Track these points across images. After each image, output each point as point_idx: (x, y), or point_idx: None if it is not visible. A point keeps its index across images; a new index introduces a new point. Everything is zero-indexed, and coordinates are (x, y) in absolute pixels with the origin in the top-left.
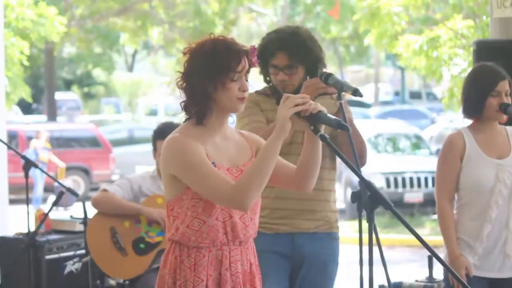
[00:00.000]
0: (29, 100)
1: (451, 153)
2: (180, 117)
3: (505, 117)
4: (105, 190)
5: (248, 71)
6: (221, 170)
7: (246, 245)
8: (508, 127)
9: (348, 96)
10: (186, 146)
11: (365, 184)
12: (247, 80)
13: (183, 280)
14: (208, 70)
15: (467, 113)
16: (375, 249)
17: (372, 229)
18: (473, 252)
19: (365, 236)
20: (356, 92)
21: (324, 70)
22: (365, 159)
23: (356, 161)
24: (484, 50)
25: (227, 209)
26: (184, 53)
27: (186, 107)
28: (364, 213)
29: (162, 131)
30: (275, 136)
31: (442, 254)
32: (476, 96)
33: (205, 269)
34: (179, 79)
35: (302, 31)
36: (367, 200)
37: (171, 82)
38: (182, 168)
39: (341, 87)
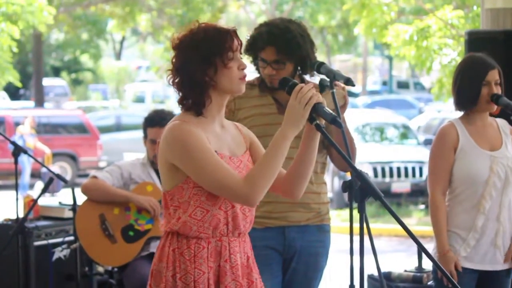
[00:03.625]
0: (18, 84)
1: (444, 145)
2: (168, 105)
3: (495, 108)
4: (95, 177)
5: (240, 52)
6: (224, 159)
7: (244, 238)
8: (498, 119)
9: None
10: (188, 134)
11: (357, 174)
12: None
13: (184, 273)
14: (205, 55)
15: (461, 104)
16: (365, 238)
17: (363, 218)
18: (465, 244)
19: (356, 226)
20: (348, 82)
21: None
22: (354, 159)
23: (348, 151)
24: (476, 41)
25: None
26: (173, 48)
27: (183, 101)
28: (355, 203)
29: (153, 119)
30: (288, 130)
31: (430, 244)
32: (469, 88)
33: (206, 261)
34: (170, 76)
35: (294, 27)
36: (357, 190)
37: (158, 69)
38: (184, 156)
39: (333, 76)
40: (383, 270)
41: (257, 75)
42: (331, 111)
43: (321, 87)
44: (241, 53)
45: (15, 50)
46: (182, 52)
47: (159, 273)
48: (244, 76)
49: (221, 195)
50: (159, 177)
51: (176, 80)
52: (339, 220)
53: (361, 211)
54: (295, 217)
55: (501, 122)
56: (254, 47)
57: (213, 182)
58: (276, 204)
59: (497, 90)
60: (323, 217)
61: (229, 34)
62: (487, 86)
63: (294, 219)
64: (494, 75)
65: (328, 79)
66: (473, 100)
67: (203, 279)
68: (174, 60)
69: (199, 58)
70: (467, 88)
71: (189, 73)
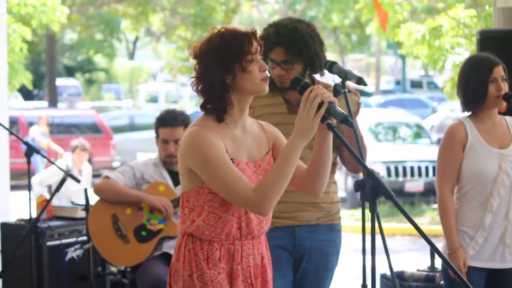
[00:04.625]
0: (30, 87)
1: (453, 143)
2: (181, 105)
3: (504, 104)
4: (107, 177)
5: (261, 53)
6: (240, 165)
7: (259, 239)
8: (507, 117)
9: (352, 85)
10: (205, 141)
11: (368, 173)
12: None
13: (200, 272)
14: (223, 60)
15: (469, 104)
16: (378, 238)
17: (374, 218)
18: (473, 243)
19: (368, 225)
20: (360, 81)
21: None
22: (365, 158)
23: (360, 150)
24: (488, 40)
25: None
26: (194, 57)
27: (205, 106)
28: (367, 202)
29: (165, 119)
30: (299, 140)
31: (441, 243)
32: (477, 86)
33: (219, 262)
34: (193, 84)
35: (302, 27)
36: (369, 190)
37: (172, 69)
38: (200, 164)
39: (345, 75)
40: (396, 269)
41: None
42: (342, 111)
43: (335, 92)
44: (261, 55)
45: (26, 51)
46: (201, 59)
47: (177, 271)
48: (266, 77)
49: (235, 203)
50: (171, 177)
51: (199, 87)
52: (352, 220)
53: (373, 210)
54: (305, 216)
55: (510, 120)
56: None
57: (226, 193)
58: (286, 204)
59: (504, 85)
60: (333, 216)
61: (247, 37)
62: (495, 83)
63: (304, 219)
64: (499, 71)
65: (341, 86)
66: (482, 97)
67: (219, 279)
68: (196, 67)
69: (217, 64)
70: (474, 86)
71: (208, 79)
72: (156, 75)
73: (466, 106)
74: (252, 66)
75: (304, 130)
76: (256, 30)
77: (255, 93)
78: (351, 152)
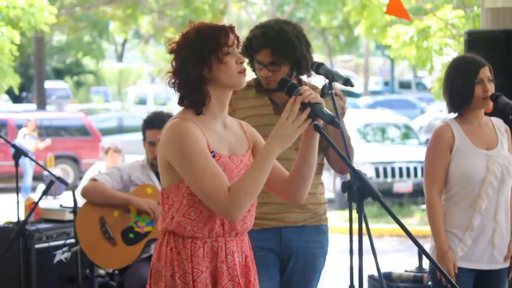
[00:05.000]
0: (17, 91)
1: (440, 145)
2: (169, 107)
3: (490, 104)
4: (94, 180)
5: (238, 46)
6: (223, 158)
7: (242, 237)
8: (493, 118)
9: (339, 86)
10: (187, 133)
11: (355, 174)
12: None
13: (182, 272)
14: (199, 53)
15: (455, 106)
16: (365, 239)
17: (361, 219)
18: (462, 244)
19: (355, 226)
20: (347, 82)
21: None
22: (352, 159)
23: (347, 152)
24: (476, 41)
25: None
26: (171, 52)
27: (183, 100)
28: (354, 203)
29: (152, 121)
30: (275, 146)
31: (429, 244)
32: (462, 88)
33: (202, 260)
34: (170, 78)
35: (289, 28)
36: (356, 191)
37: (160, 71)
38: (178, 155)
39: (332, 77)
40: (384, 270)
41: (254, 76)
42: (329, 112)
43: (323, 94)
44: (238, 48)
45: (16, 53)
46: (177, 54)
47: (158, 272)
48: (244, 69)
49: (205, 203)
50: (159, 179)
51: (175, 82)
52: (341, 221)
53: (360, 211)
54: (291, 218)
55: (497, 121)
56: (249, 49)
57: (199, 187)
58: (272, 205)
59: (490, 87)
60: (320, 217)
61: (223, 30)
62: (481, 84)
63: (290, 220)
64: (485, 72)
65: (328, 87)
66: (468, 99)
67: (202, 278)
68: (172, 63)
69: (193, 57)
70: (460, 88)
71: (185, 73)
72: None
73: (452, 107)
74: (229, 58)
75: (282, 138)
76: (232, 25)
77: (232, 86)
78: (338, 153)
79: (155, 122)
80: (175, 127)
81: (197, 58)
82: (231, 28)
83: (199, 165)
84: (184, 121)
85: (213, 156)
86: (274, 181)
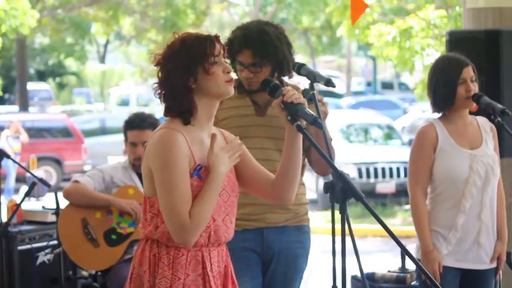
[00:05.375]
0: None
1: (423, 145)
2: (152, 108)
3: (474, 104)
4: (76, 182)
5: (224, 56)
6: (206, 171)
7: (222, 247)
8: (478, 117)
9: (320, 87)
10: (173, 145)
11: (338, 175)
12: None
13: (161, 277)
14: (185, 63)
15: (438, 106)
16: (348, 239)
17: (344, 220)
18: (446, 242)
19: (338, 227)
20: (328, 83)
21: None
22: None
23: (329, 152)
24: (458, 41)
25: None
26: (156, 64)
27: (169, 111)
28: (337, 203)
29: (133, 122)
30: (221, 169)
31: (414, 244)
32: (445, 88)
33: (183, 267)
34: (156, 89)
35: (271, 29)
36: (339, 191)
37: (142, 72)
38: (159, 165)
39: (314, 77)
40: (367, 270)
41: (236, 77)
42: (312, 112)
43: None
44: (224, 57)
45: None
46: (163, 65)
47: (139, 277)
48: (231, 79)
49: (166, 219)
50: (141, 180)
51: (161, 93)
52: (324, 221)
53: (343, 212)
54: (273, 218)
55: (482, 120)
56: (231, 50)
57: (166, 205)
58: (254, 206)
59: (474, 86)
60: (301, 218)
61: (209, 40)
62: (464, 84)
63: (272, 221)
64: (468, 72)
65: (310, 88)
66: (451, 99)
67: (178, 284)
68: (158, 74)
69: (178, 68)
70: (443, 88)
71: (170, 84)
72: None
73: (436, 107)
74: (215, 68)
75: (221, 159)
76: (219, 35)
77: (221, 96)
78: (320, 153)
79: (136, 122)
80: (164, 137)
81: (183, 68)
82: (216, 38)
83: (174, 183)
84: (173, 132)
85: (200, 169)
86: (260, 185)
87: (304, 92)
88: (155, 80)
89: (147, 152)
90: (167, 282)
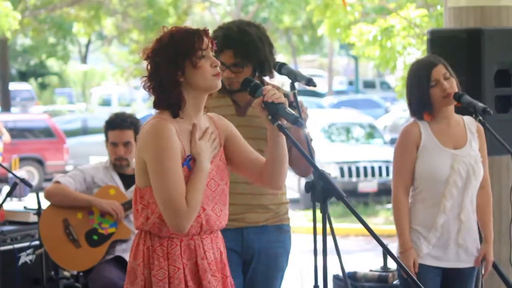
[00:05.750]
0: None
1: (407, 143)
2: (134, 108)
3: (454, 101)
4: (57, 182)
5: (212, 50)
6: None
7: (216, 233)
8: (465, 117)
9: (301, 86)
10: (165, 134)
11: (319, 174)
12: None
13: (157, 268)
14: (173, 57)
15: (416, 111)
16: (329, 239)
17: (325, 219)
18: (426, 242)
19: (319, 226)
20: (309, 82)
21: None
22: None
23: (310, 152)
24: (439, 40)
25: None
26: (145, 58)
27: (158, 103)
28: (318, 203)
29: (113, 122)
30: (206, 161)
31: (396, 243)
32: (419, 94)
33: (179, 258)
34: (145, 82)
35: (252, 30)
36: (320, 191)
37: (124, 72)
38: (152, 155)
39: (295, 77)
40: (349, 270)
41: None
42: (292, 112)
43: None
44: (213, 51)
45: None
46: (152, 59)
47: (133, 270)
48: (218, 73)
49: (162, 208)
50: (122, 180)
51: (150, 86)
52: (306, 220)
53: (324, 211)
54: (253, 218)
55: (468, 120)
56: None
57: (162, 194)
58: (233, 206)
59: (449, 83)
60: (281, 217)
61: (197, 34)
62: (438, 85)
63: (252, 220)
64: (439, 71)
65: (291, 88)
66: (427, 103)
67: (178, 274)
68: (147, 68)
69: (167, 62)
70: (417, 93)
71: (160, 76)
72: None
73: (414, 113)
74: (203, 62)
75: (203, 151)
76: (208, 29)
77: (208, 89)
78: (301, 152)
79: (117, 122)
80: (155, 127)
81: (171, 62)
82: (205, 32)
83: (169, 171)
84: (164, 121)
85: (190, 160)
86: (252, 169)
87: (285, 96)
88: (139, 77)
89: (139, 144)
90: (165, 272)
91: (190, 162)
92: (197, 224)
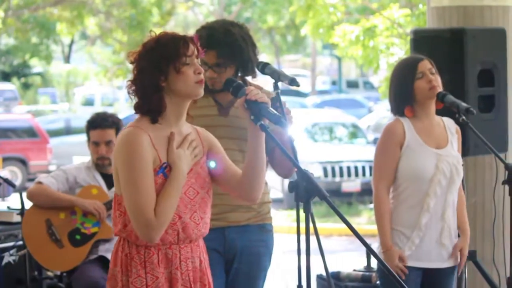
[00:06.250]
0: None
1: (390, 141)
2: (117, 108)
3: (437, 98)
4: (39, 183)
5: (197, 57)
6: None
7: (196, 242)
8: (445, 118)
9: (285, 86)
10: (136, 143)
11: (302, 174)
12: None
13: (135, 276)
14: (157, 62)
15: (398, 106)
16: (313, 238)
17: (309, 219)
18: (410, 242)
19: (303, 226)
20: (292, 82)
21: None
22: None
23: (293, 151)
24: (422, 39)
25: (176, 210)
26: (131, 62)
27: (139, 108)
28: (301, 202)
29: (95, 121)
30: (183, 168)
31: (377, 243)
32: (405, 84)
33: (157, 266)
34: (128, 86)
35: (235, 30)
36: (303, 190)
37: (107, 72)
38: (123, 164)
39: (278, 77)
40: (332, 269)
41: None
42: (275, 112)
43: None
44: (198, 58)
45: None
46: (137, 63)
47: (114, 277)
48: (201, 80)
49: (131, 217)
50: (104, 179)
51: (133, 89)
52: (289, 220)
53: (307, 211)
54: (234, 217)
55: (448, 121)
56: None
57: (131, 203)
58: (215, 206)
59: (436, 78)
60: (264, 216)
61: (183, 40)
62: (424, 77)
63: (233, 220)
64: (425, 65)
65: (274, 87)
66: (410, 95)
67: (157, 283)
68: (133, 71)
69: (151, 66)
70: (401, 86)
71: (142, 80)
72: None
73: (395, 109)
74: (186, 68)
75: (180, 157)
76: (197, 36)
77: (190, 96)
78: (284, 153)
79: (98, 122)
80: (128, 136)
81: (155, 66)
82: (192, 39)
83: (138, 181)
84: (138, 130)
85: (165, 167)
86: (230, 183)
87: (273, 101)
88: (122, 77)
89: (114, 151)
90: (142, 281)
91: (166, 170)
92: (174, 232)
